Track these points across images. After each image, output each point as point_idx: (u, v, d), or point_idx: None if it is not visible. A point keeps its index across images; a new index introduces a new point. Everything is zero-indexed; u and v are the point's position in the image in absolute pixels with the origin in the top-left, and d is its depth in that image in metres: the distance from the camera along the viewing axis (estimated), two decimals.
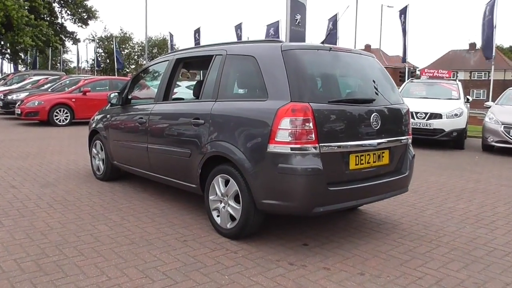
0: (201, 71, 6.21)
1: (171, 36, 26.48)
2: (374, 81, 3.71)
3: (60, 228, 3.65)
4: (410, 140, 3.87)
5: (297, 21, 13.52)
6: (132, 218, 3.97)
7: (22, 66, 41.11)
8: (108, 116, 5.30)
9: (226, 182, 3.50)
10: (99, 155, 5.52)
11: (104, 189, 5.05)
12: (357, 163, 3.34)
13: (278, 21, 18.00)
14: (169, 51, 4.91)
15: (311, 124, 3.07)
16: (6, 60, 36.87)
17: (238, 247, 3.33)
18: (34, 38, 26.15)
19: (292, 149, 3.06)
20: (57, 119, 12.16)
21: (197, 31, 23.09)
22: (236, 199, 3.41)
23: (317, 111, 3.11)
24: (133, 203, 4.48)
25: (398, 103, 3.82)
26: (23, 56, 36.27)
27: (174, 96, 5.94)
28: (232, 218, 3.46)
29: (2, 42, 30.69)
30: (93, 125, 5.61)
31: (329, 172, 3.13)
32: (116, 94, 5.11)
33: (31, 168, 6.14)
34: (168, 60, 4.51)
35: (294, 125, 3.06)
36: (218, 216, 3.61)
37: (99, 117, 5.56)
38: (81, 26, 33.26)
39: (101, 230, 3.63)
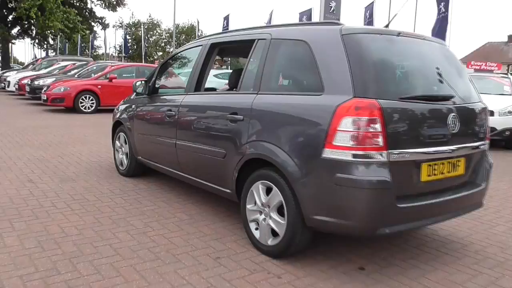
0: (238, 59, 5.48)
1: (198, 22, 25.92)
2: (449, 74, 3.08)
3: (76, 235, 3.19)
4: (487, 146, 3.23)
5: (332, 8, 12.82)
6: (157, 225, 3.48)
7: (51, 51, 41.51)
8: (133, 106, 4.82)
9: (268, 190, 2.96)
10: (123, 149, 5.07)
11: (127, 186, 4.59)
12: (429, 173, 2.73)
13: (311, 9, 17.28)
14: (197, 38, 4.26)
15: (378, 126, 2.47)
16: (36, 45, 37.25)
17: (281, 269, 2.78)
18: (62, 24, 26.12)
19: (354, 156, 2.48)
20: (82, 106, 11.88)
21: (226, 18, 22.49)
22: (280, 211, 2.86)
23: (387, 109, 2.51)
24: (158, 205, 3.99)
25: (476, 100, 3.18)
26: (51, 41, 36.54)
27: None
28: (274, 233, 2.91)
29: (33, 27, 30.91)
30: (117, 115, 5.16)
31: (399, 185, 2.54)
32: (142, 82, 4.61)
33: (51, 160, 5.76)
34: (201, 45, 3.97)
35: (358, 126, 2.47)
36: (256, 229, 3.07)
37: (123, 107, 5.10)
38: (111, 9, 33.03)
39: (122, 240, 3.15)
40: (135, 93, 4.78)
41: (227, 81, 4.62)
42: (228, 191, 3.36)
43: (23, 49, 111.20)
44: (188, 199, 4.19)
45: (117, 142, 5.19)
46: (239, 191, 3.25)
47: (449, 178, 2.88)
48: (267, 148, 2.90)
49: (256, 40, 3.34)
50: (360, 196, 2.49)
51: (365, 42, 2.71)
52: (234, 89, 3.49)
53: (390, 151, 2.50)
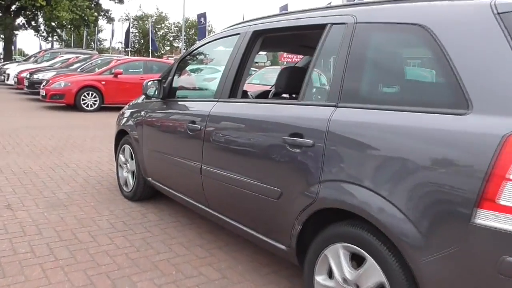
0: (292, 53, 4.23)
1: (203, 17, 24.60)
2: None
3: None
4: None
5: None
6: None
7: (59, 43, 40.52)
8: (142, 113, 3.73)
9: (357, 260, 1.88)
10: (128, 165, 4.00)
11: (132, 217, 3.52)
12: None
13: (286, 4, 17.18)
14: (232, 25, 3.10)
15: None
16: (42, 38, 36.26)
17: None
18: (70, 12, 25.06)
19: None
20: (84, 104, 10.82)
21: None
22: None
23: None
24: (175, 251, 2.92)
25: None
26: (60, 32, 35.50)
27: (200, 87, 4.22)
28: None
29: (40, 19, 29.91)
30: (122, 122, 4.08)
31: None
32: (156, 82, 3.52)
33: (40, 174, 4.70)
34: (238, 34, 2.87)
35: None
36: None
37: (130, 112, 4.02)
38: (118, 2, 31.93)
39: None
40: (145, 96, 3.70)
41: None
42: (283, 247, 2.28)
43: (30, 41, 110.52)
44: (215, 241, 3.12)
45: (121, 156, 4.12)
46: (301, 250, 2.18)
47: None
48: (359, 196, 1.82)
49: (329, 25, 2.25)
50: None
51: None
52: (291, 97, 2.42)
53: None
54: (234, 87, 2.77)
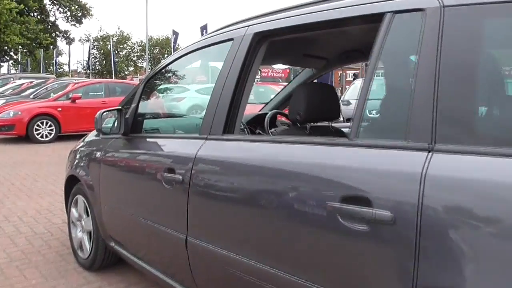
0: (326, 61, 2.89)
1: (176, 34, 23.75)
2: None
3: None
4: None
5: None
6: None
7: (15, 68, 38.40)
8: (98, 154, 2.75)
9: None
10: (83, 223, 2.99)
11: None
12: None
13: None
14: (218, 28, 2.17)
15: None
16: None
17: None
18: (20, 36, 23.54)
19: None
20: (38, 134, 9.60)
21: (204, 28, 20.50)
22: None
23: None
24: None
25: None
26: (14, 56, 33.58)
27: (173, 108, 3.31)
28: None
29: None
30: (73, 165, 3.08)
31: None
32: (114, 112, 2.56)
33: None
34: (231, 40, 1.97)
35: None
36: None
37: (82, 152, 3.03)
38: (74, 25, 30.52)
39: None
40: (99, 132, 2.72)
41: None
42: None
43: None
44: None
45: (73, 210, 3.11)
46: None
47: None
48: None
49: (389, 15, 1.38)
50: None
51: None
52: (322, 129, 1.54)
53: None
54: (230, 118, 1.86)
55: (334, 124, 2.39)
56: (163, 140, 2.32)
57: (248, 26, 1.91)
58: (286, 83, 15.32)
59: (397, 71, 1.42)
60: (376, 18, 1.41)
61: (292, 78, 9.84)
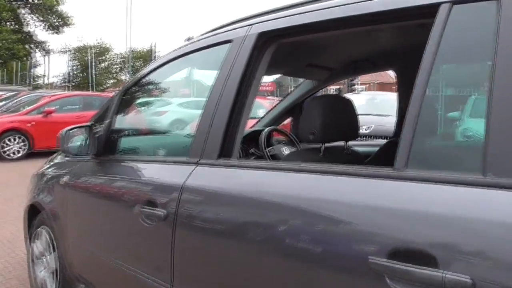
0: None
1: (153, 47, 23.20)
2: None
3: None
4: None
5: None
6: None
7: None
8: (64, 179, 2.31)
9: None
10: (47, 260, 2.53)
11: None
12: None
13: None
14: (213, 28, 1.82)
15: None
16: None
17: None
18: None
19: None
20: (7, 151, 8.98)
21: (189, 39, 20.12)
22: None
23: None
24: None
25: None
26: None
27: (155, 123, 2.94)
28: None
29: None
30: (35, 192, 2.63)
31: None
32: (84, 129, 2.14)
33: None
34: (229, 42, 1.59)
35: None
36: None
37: (47, 175, 2.58)
38: (55, 33, 29.68)
39: None
40: (66, 153, 2.29)
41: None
42: None
43: None
44: None
45: (34, 245, 2.64)
46: None
47: None
48: None
49: (447, 5, 1.04)
50: None
51: None
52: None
53: None
54: (228, 138, 1.48)
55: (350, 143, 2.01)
56: (142, 164, 1.91)
57: (251, 25, 1.54)
58: (273, 97, 14.99)
59: (460, 78, 1.07)
60: (432, 10, 1.06)
61: (278, 92, 9.48)
